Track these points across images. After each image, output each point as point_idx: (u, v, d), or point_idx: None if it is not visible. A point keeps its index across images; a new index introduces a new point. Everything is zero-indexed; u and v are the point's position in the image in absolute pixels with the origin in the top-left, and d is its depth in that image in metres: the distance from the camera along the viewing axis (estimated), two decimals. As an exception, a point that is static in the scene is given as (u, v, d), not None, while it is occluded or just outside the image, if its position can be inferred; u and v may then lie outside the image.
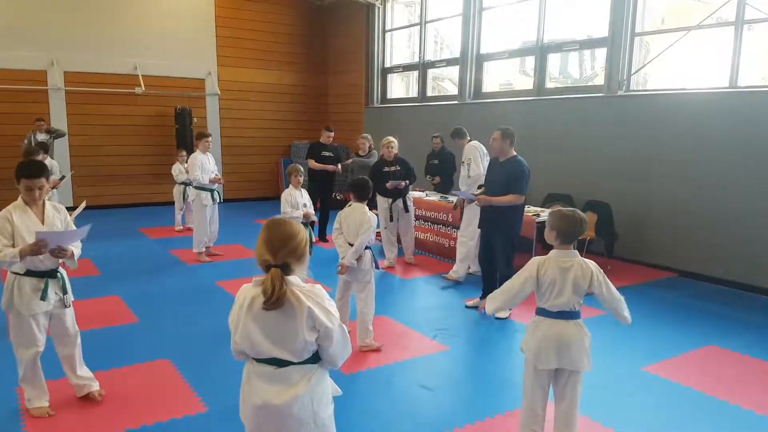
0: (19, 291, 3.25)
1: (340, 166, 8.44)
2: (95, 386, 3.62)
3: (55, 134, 9.56)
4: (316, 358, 2.14)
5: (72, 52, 10.58)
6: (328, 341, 2.09)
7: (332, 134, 8.51)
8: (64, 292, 3.39)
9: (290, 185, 5.91)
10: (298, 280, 2.10)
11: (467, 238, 6.37)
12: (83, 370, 3.59)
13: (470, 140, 6.58)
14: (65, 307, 3.41)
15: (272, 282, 1.99)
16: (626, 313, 2.92)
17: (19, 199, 3.25)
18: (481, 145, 6.37)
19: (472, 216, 6.25)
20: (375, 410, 3.60)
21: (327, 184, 8.47)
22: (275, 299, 1.98)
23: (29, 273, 3.25)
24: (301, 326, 2.03)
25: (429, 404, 3.70)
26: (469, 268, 6.58)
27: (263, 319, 2.05)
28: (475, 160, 6.27)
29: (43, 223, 3.25)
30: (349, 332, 2.19)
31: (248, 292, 2.10)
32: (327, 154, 8.40)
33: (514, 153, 5.26)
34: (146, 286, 6.15)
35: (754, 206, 6.22)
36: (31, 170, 3.23)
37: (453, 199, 7.08)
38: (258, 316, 2.06)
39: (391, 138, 7.18)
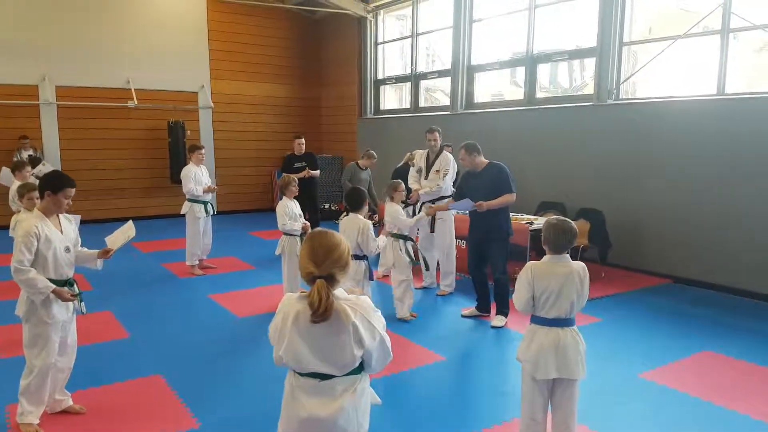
0: (44, 299, 3.26)
1: (310, 171, 8.31)
2: (71, 401, 3.61)
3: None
4: (359, 368, 2.13)
5: (63, 66, 10.56)
6: (369, 357, 2.09)
7: (302, 141, 8.46)
8: (80, 299, 3.48)
9: (284, 197, 5.85)
10: (343, 293, 2.08)
11: (448, 249, 6.37)
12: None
13: (445, 149, 6.52)
14: (82, 313, 3.54)
15: (319, 294, 1.96)
16: None
17: (36, 210, 3.31)
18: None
19: (447, 229, 6.29)
20: (371, 423, 3.57)
21: (310, 193, 8.41)
22: (323, 311, 1.96)
23: (53, 281, 3.27)
24: (348, 341, 2.02)
25: (427, 415, 3.67)
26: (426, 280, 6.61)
27: (310, 335, 2.03)
28: (449, 174, 6.23)
29: (61, 233, 3.34)
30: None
31: (293, 305, 2.06)
32: (299, 165, 8.35)
33: (487, 160, 5.32)
34: (138, 300, 6.10)
35: (744, 211, 6.26)
36: (72, 180, 3.35)
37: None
38: (305, 332, 2.03)
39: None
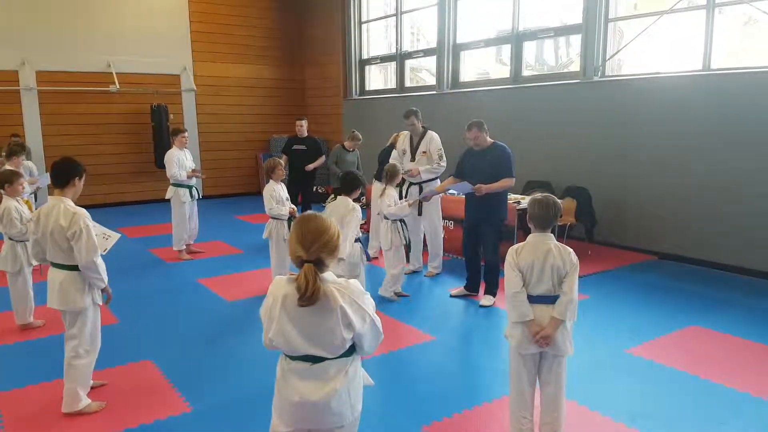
0: (89, 287, 3.36)
1: (311, 166, 8.30)
2: None
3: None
4: (351, 351, 2.13)
5: (44, 51, 10.35)
6: (360, 339, 2.10)
7: (303, 123, 8.39)
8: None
9: (271, 180, 5.80)
10: (332, 276, 2.08)
11: (436, 231, 6.39)
12: None
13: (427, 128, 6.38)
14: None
15: (306, 278, 1.96)
16: (568, 310, 2.81)
17: (69, 199, 3.35)
18: None
19: (434, 211, 6.32)
20: (364, 404, 3.59)
21: (307, 177, 8.38)
22: (309, 295, 1.96)
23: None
24: (337, 325, 2.02)
25: (417, 394, 3.70)
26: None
27: (299, 318, 2.03)
28: (442, 153, 6.19)
29: None
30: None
31: (281, 288, 2.07)
32: (298, 147, 8.29)
33: (491, 140, 5.29)
34: (126, 286, 6.03)
35: (729, 187, 6.32)
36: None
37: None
38: (293, 315, 2.03)
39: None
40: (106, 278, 3.37)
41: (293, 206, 5.80)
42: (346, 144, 8.14)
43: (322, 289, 1.99)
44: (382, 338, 2.20)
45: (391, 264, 5.49)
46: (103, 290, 3.43)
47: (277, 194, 5.64)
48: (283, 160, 7.92)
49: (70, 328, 3.38)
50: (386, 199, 5.45)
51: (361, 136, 8.20)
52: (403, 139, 6.43)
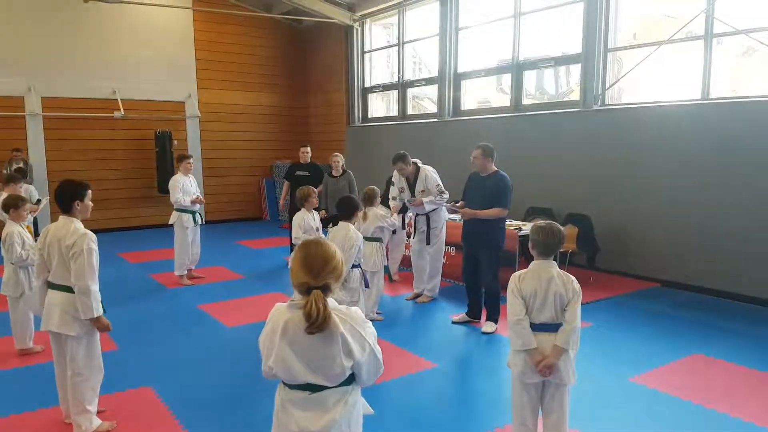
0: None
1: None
2: None
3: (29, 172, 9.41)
4: (350, 379, 2.10)
5: (49, 77, 10.50)
6: (359, 369, 2.07)
7: (306, 150, 8.41)
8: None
9: (303, 208, 5.66)
10: (334, 303, 2.06)
11: (436, 257, 6.39)
12: None
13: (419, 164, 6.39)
14: None
15: (316, 305, 1.93)
16: (571, 339, 2.80)
17: (78, 221, 3.35)
18: None
19: (438, 238, 6.33)
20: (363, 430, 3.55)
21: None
22: (320, 322, 1.93)
23: None
24: (338, 352, 2.00)
25: (419, 423, 3.66)
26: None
27: (299, 345, 2.00)
28: (441, 186, 6.21)
29: None
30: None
31: (282, 315, 2.04)
32: (302, 173, 8.32)
33: (495, 168, 5.31)
34: (126, 311, 6.03)
35: (730, 214, 6.32)
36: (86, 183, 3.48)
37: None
38: (294, 342, 2.00)
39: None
40: (97, 309, 3.27)
41: (321, 234, 5.67)
42: (333, 171, 8.09)
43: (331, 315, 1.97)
44: (383, 370, 2.16)
45: (375, 285, 5.55)
46: (93, 322, 3.30)
47: (306, 223, 5.54)
48: (285, 186, 7.95)
49: (71, 350, 3.35)
50: (378, 219, 5.58)
51: (338, 154, 8.14)
52: (398, 176, 6.41)
